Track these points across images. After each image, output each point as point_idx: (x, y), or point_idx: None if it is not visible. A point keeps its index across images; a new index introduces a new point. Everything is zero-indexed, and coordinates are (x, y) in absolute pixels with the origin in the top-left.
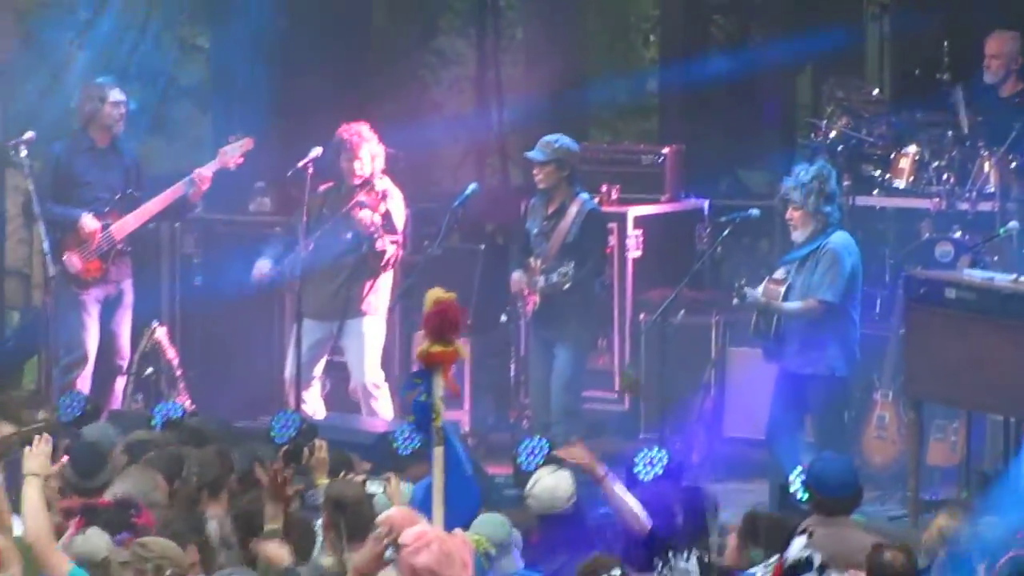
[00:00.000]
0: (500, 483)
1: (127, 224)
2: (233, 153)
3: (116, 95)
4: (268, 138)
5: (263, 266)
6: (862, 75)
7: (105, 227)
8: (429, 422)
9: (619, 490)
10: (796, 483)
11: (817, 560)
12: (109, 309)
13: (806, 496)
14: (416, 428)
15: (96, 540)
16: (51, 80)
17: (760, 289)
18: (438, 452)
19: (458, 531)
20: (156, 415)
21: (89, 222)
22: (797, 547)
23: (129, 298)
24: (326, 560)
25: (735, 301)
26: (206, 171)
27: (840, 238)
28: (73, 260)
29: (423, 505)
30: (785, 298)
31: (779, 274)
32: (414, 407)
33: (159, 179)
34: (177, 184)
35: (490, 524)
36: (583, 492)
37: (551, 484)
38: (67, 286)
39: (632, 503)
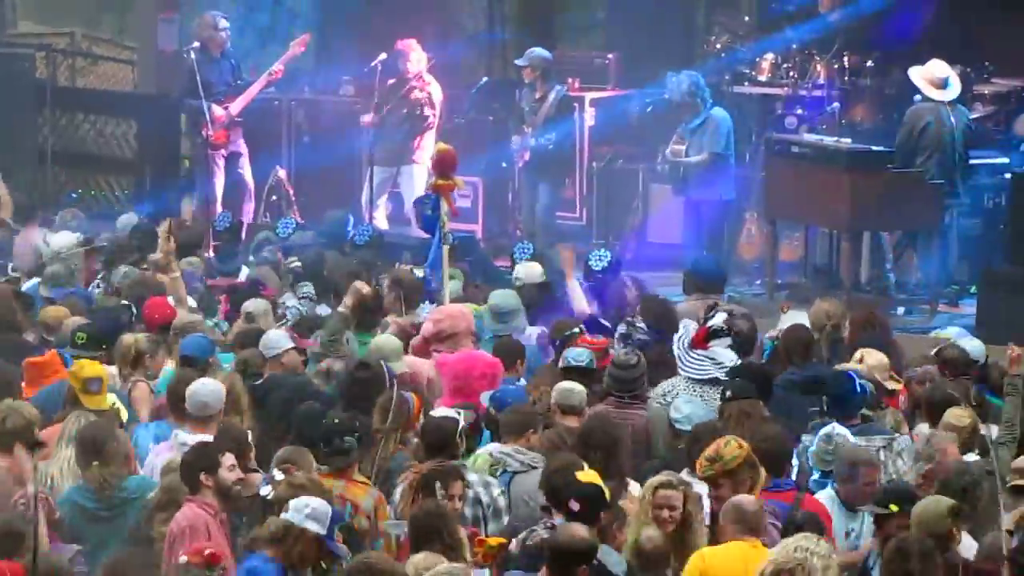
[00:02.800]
0: (502, 270)
1: (238, 104)
2: (297, 47)
3: (223, 23)
4: (352, 46)
5: (367, 118)
6: (738, 7)
7: (226, 108)
8: (433, 226)
9: (575, 286)
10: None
11: (728, 328)
12: (233, 161)
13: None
14: (424, 229)
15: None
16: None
17: (669, 150)
18: (445, 249)
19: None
20: (279, 226)
21: (216, 109)
22: (719, 319)
23: (245, 151)
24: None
25: (659, 159)
26: (279, 64)
27: (719, 111)
28: (208, 133)
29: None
30: (687, 154)
31: (677, 139)
32: (424, 219)
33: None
34: (263, 75)
35: (502, 296)
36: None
37: (530, 266)
38: (205, 149)
39: (579, 296)
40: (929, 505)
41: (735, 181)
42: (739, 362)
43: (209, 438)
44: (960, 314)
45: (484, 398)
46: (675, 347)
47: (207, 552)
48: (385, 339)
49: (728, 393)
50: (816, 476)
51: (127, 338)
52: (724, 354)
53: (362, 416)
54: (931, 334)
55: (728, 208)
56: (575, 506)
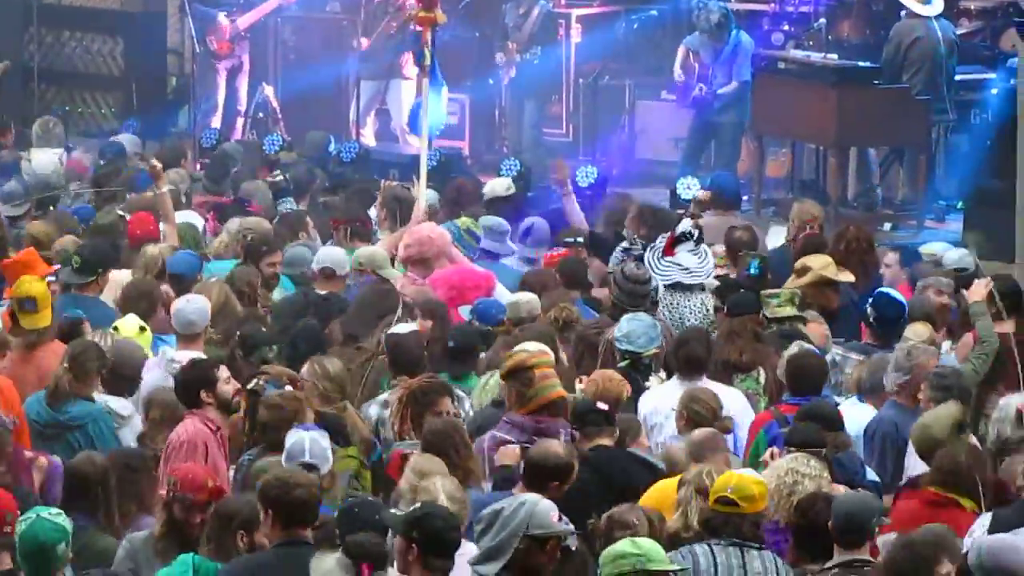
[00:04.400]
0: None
1: (247, 18)
2: None
3: None
4: None
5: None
6: None
7: (233, 21)
8: (420, 57)
9: (572, 200)
10: (681, 188)
11: (696, 233)
12: (233, 75)
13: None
14: (417, 63)
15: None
16: None
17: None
18: (425, 82)
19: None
20: (265, 143)
21: (222, 19)
22: (685, 223)
23: (247, 67)
24: (380, 235)
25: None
26: None
27: (745, 38)
28: (212, 42)
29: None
30: (711, 82)
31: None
32: (418, 55)
33: None
34: None
35: (489, 218)
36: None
37: (496, 180)
38: (207, 59)
39: (577, 210)
40: (937, 413)
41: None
42: (729, 277)
43: (199, 354)
44: (947, 230)
45: (464, 311)
46: (647, 256)
47: (209, 484)
48: (374, 249)
49: (726, 308)
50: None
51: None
52: (688, 259)
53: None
54: (918, 248)
55: (743, 129)
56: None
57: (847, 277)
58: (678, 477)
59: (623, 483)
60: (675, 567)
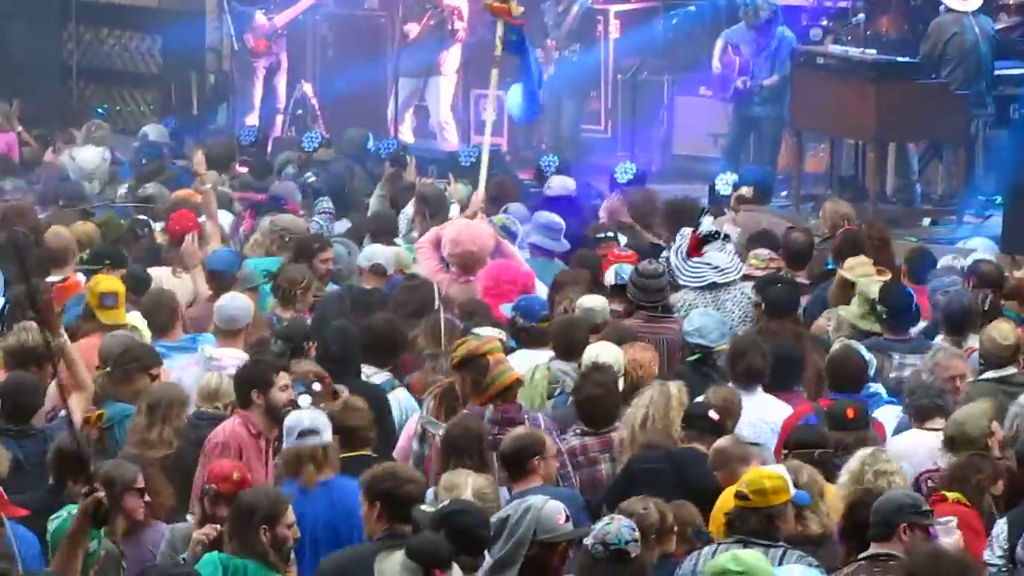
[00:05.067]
0: (526, 183)
1: (284, 16)
2: None
3: None
4: None
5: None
6: None
7: (270, 19)
8: (520, 48)
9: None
10: (720, 184)
11: (720, 231)
12: (271, 73)
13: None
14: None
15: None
16: None
17: (735, 74)
18: (494, 72)
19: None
20: (304, 140)
21: (260, 17)
22: (707, 223)
23: (285, 64)
24: (414, 234)
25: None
26: None
27: (788, 32)
28: (249, 40)
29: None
30: (753, 75)
31: (739, 62)
32: (508, 44)
33: None
34: None
35: (544, 215)
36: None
37: (563, 178)
38: (245, 57)
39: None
40: (970, 410)
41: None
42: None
43: (238, 352)
44: (986, 226)
45: (506, 309)
46: (672, 257)
47: (235, 476)
48: (397, 250)
49: (764, 307)
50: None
51: None
52: (719, 258)
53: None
54: (956, 244)
55: (783, 123)
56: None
57: (881, 277)
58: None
59: (700, 486)
60: None
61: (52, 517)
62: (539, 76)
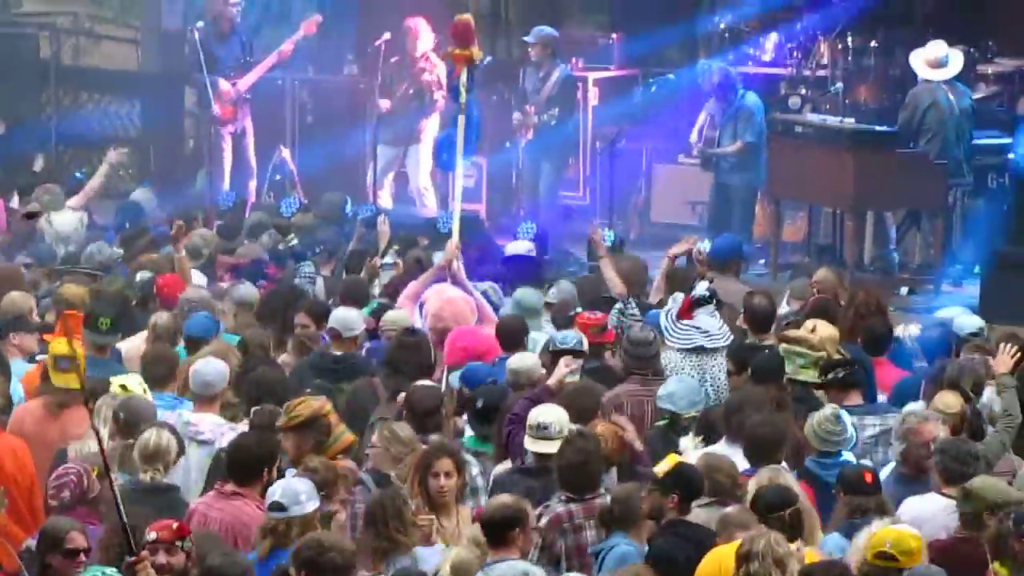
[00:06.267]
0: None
1: (247, 80)
2: (308, 27)
3: None
4: (356, 25)
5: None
6: None
7: (233, 84)
8: (457, 97)
9: (608, 263)
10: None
11: (713, 296)
12: (239, 139)
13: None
14: (454, 99)
15: (249, 288)
16: None
17: (702, 141)
18: (461, 119)
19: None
20: (282, 206)
21: (224, 84)
22: (701, 287)
23: (251, 129)
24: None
25: (691, 150)
26: (288, 43)
27: (752, 99)
28: (216, 108)
29: (440, 146)
30: (719, 143)
31: (709, 125)
32: (453, 89)
33: (269, 49)
34: (273, 52)
35: (526, 293)
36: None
37: (517, 243)
38: (212, 126)
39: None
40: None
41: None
42: (754, 342)
43: (215, 417)
44: (964, 294)
45: (454, 379)
46: (662, 319)
47: (175, 526)
48: (400, 313)
49: (752, 373)
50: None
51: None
52: (708, 322)
53: (405, 382)
54: (934, 314)
55: (756, 193)
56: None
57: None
58: (732, 544)
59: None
60: None
61: None
62: (477, 123)
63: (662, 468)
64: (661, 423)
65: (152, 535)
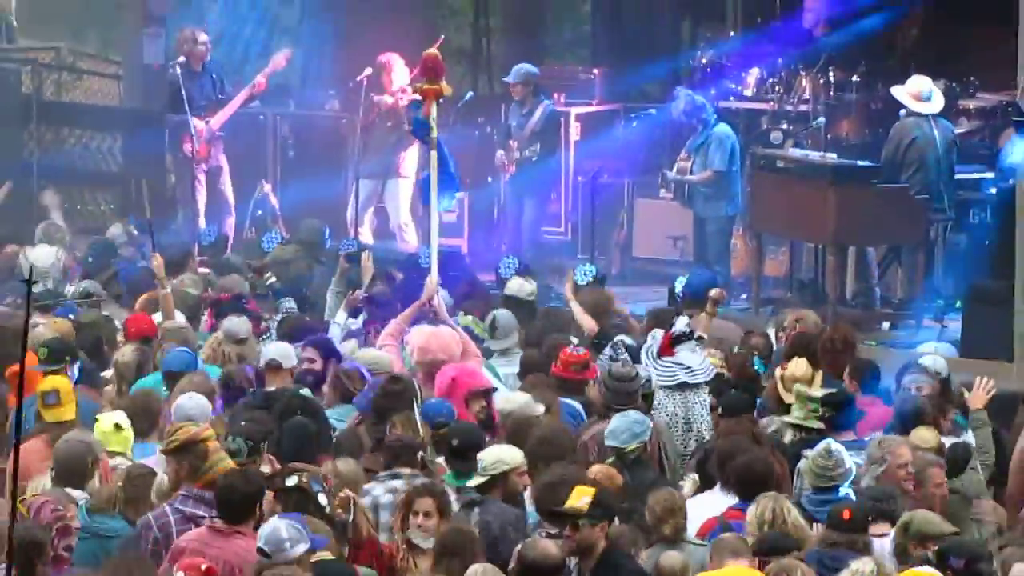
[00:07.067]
0: (487, 285)
1: (218, 118)
2: (279, 60)
3: (202, 37)
4: (337, 61)
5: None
6: (723, 21)
7: (206, 122)
8: (426, 132)
9: (576, 306)
10: (678, 286)
11: (694, 331)
12: (214, 176)
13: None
14: (415, 134)
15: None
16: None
17: (676, 168)
18: (433, 155)
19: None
20: (263, 240)
21: (197, 122)
22: (680, 323)
23: (226, 166)
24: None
25: (661, 178)
26: (260, 77)
27: (721, 128)
28: (189, 147)
29: (424, 186)
30: (691, 171)
31: (683, 156)
32: (415, 123)
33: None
34: (245, 88)
35: (504, 314)
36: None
37: (520, 282)
38: (187, 165)
39: (584, 314)
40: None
41: (738, 195)
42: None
43: None
44: (945, 329)
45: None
46: (643, 357)
47: (203, 567)
48: (378, 353)
49: (720, 410)
50: (809, 492)
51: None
52: (690, 358)
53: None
54: (916, 349)
55: (732, 222)
56: None
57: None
58: (725, 571)
59: None
60: None
61: None
62: (449, 157)
63: (583, 502)
64: (608, 461)
65: (180, 574)
